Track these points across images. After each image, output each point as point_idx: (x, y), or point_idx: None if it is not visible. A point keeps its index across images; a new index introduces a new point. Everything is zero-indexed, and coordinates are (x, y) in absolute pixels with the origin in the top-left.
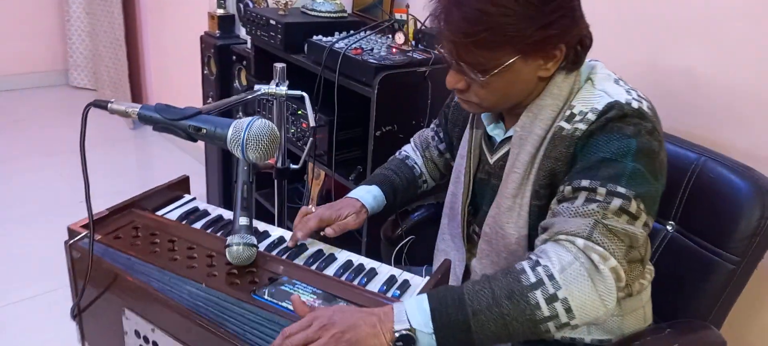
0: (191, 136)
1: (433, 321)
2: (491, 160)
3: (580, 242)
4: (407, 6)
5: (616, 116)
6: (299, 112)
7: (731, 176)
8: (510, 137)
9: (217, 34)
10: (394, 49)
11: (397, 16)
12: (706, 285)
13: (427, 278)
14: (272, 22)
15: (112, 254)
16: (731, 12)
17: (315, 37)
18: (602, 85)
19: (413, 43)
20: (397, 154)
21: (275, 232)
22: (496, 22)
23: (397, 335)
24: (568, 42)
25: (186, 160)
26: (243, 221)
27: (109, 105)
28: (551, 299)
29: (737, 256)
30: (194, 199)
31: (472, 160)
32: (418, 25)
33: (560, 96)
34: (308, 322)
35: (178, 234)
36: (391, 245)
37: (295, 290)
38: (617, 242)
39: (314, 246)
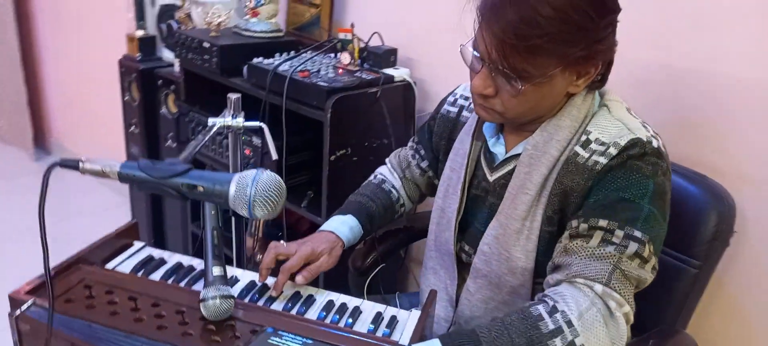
0: (184, 195)
1: None
2: (491, 178)
3: (598, 288)
4: (352, 25)
5: (637, 154)
6: (243, 138)
7: (686, 185)
8: (515, 155)
9: (138, 58)
10: (340, 70)
11: (341, 35)
12: (672, 291)
13: (414, 311)
14: (206, 44)
15: (67, 322)
16: (674, 14)
17: (255, 60)
18: (619, 114)
19: (359, 62)
20: (372, 178)
21: (244, 276)
22: (553, 28)
23: None
24: (604, 60)
25: (102, 192)
26: (216, 271)
27: (81, 165)
28: None
29: (699, 260)
30: (145, 246)
31: (468, 174)
32: (363, 44)
33: (578, 118)
34: None
35: (138, 289)
36: (361, 275)
37: (284, 343)
38: (629, 286)
39: (289, 288)
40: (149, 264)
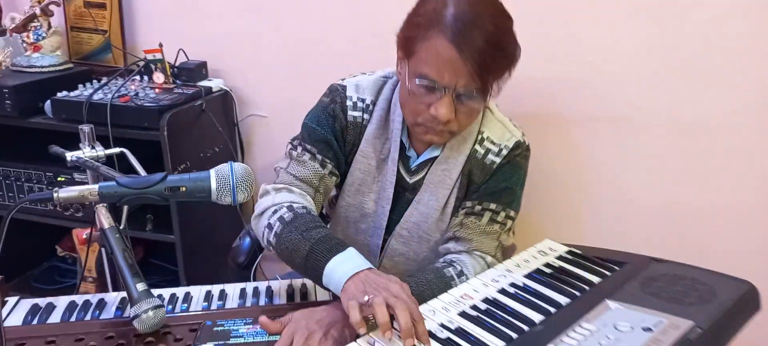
0: (166, 198)
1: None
2: (410, 180)
3: (489, 259)
4: (160, 45)
5: (519, 153)
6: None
7: None
8: (428, 160)
9: None
10: (157, 90)
11: (150, 56)
12: None
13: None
14: None
15: None
16: None
17: (60, 95)
18: (498, 115)
19: (172, 80)
20: (301, 210)
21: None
22: (505, 44)
23: None
24: None
25: None
26: (140, 286)
27: (56, 195)
28: None
29: None
30: (20, 299)
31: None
32: (172, 61)
33: (476, 120)
34: (288, 338)
35: (50, 333)
36: (243, 269)
37: (229, 328)
38: (501, 251)
39: (196, 291)
40: (40, 312)
